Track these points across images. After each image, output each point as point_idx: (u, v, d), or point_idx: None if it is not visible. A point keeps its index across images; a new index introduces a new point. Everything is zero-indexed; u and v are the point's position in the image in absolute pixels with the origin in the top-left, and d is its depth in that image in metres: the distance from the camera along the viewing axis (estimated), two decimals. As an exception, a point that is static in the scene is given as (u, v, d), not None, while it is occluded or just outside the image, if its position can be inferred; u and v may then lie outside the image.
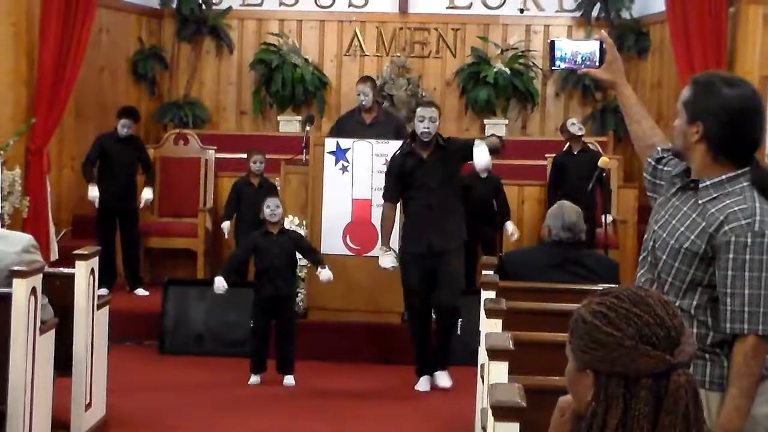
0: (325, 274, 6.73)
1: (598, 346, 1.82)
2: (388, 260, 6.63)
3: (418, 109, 6.67)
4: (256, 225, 8.14)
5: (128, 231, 8.60)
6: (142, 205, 8.66)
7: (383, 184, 6.81)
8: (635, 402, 1.78)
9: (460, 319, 6.78)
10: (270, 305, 6.74)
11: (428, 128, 6.50)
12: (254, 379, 6.76)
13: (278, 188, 8.14)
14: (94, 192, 8.33)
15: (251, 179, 8.39)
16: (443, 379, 6.67)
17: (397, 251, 6.69)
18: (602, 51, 3.11)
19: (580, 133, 8.58)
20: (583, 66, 3.14)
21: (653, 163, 3.06)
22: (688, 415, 1.78)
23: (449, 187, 6.60)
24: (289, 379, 6.74)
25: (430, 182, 6.52)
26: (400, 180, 6.62)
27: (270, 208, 6.80)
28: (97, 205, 8.35)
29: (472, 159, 6.51)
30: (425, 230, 6.52)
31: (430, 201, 6.53)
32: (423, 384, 6.68)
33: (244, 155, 8.60)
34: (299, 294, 7.43)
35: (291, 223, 7.52)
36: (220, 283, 6.69)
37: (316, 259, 6.87)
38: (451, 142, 6.66)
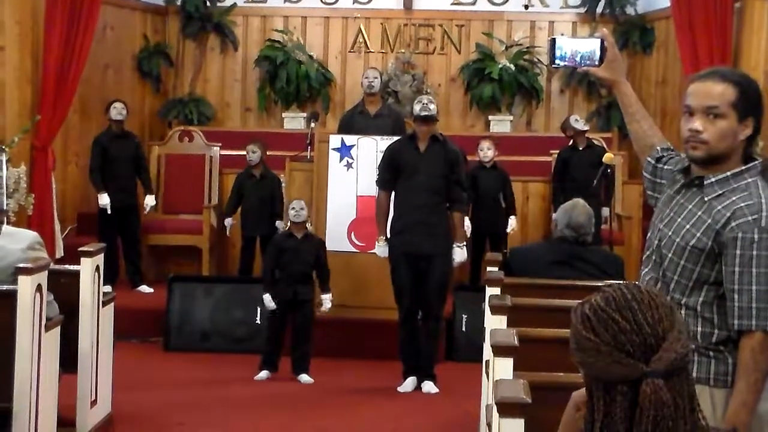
0: (326, 303, 6.80)
1: (580, 349, 1.84)
2: (384, 250, 6.62)
3: (416, 100, 6.73)
4: (259, 217, 8.17)
5: (129, 228, 8.61)
6: (147, 211, 8.70)
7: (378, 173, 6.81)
8: (612, 407, 1.79)
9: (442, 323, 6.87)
10: (288, 307, 6.74)
11: (428, 105, 6.52)
12: (262, 374, 6.76)
13: (281, 180, 8.18)
14: (104, 199, 8.39)
15: (252, 171, 8.41)
16: (430, 386, 6.63)
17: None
18: (603, 49, 3.09)
19: (584, 128, 8.60)
20: (583, 64, 3.14)
21: (653, 162, 3.06)
22: (659, 425, 1.76)
23: (441, 185, 6.52)
24: (305, 377, 6.74)
25: (420, 176, 6.47)
26: (394, 168, 6.56)
27: (295, 209, 6.80)
28: (108, 211, 8.37)
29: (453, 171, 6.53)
30: (409, 227, 6.49)
31: (417, 197, 6.49)
32: (408, 385, 6.62)
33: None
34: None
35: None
36: (269, 301, 6.73)
37: (325, 280, 6.86)
38: (447, 144, 6.62)
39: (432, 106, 6.55)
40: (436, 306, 6.57)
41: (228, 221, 8.49)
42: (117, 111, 8.58)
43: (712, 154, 2.77)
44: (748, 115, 2.77)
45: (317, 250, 6.86)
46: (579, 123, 8.62)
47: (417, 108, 6.57)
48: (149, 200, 8.73)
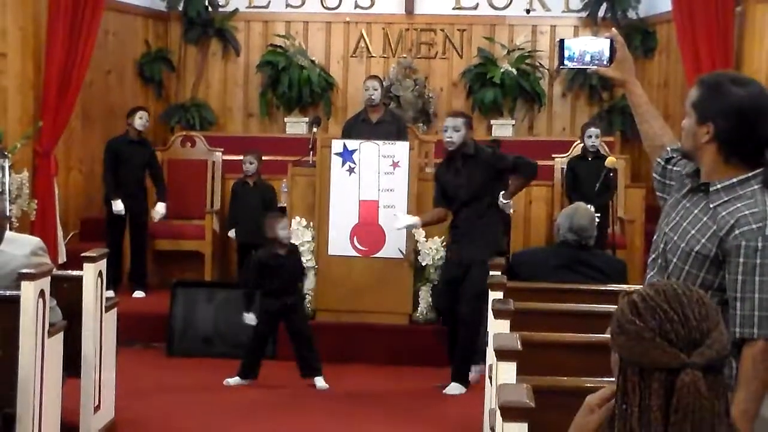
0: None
1: (622, 333, 1.88)
2: (404, 218, 6.97)
3: (443, 126, 6.87)
4: (252, 224, 8.17)
5: (137, 233, 8.62)
6: (156, 219, 8.68)
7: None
8: (648, 393, 1.82)
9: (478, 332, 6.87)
10: (277, 315, 6.69)
11: (451, 137, 6.67)
12: (236, 380, 6.66)
13: (275, 189, 8.23)
14: (119, 206, 8.38)
15: (246, 179, 8.52)
16: (451, 388, 6.64)
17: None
18: (612, 49, 3.09)
19: (590, 149, 8.58)
20: (592, 65, 3.13)
21: (662, 163, 3.05)
22: (695, 415, 1.79)
23: (481, 196, 6.68)
24: (319, 381, 6.67)
25: (461, 193, 6.70)
26: (441, 187, 6.90)
27: (285, 230, 6.77)
28: (123, 213, 8.38)
29: (499, 179, 6.74)
30: (458, 239, 6.75)
31: (462, 211, 6.72)
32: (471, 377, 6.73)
33: (246, 158, 8.68)
34: (307, 296, 7.45)
35: (298, 224, 7.52)
36: (250, 319, 6.69)
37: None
38: (480, 154, 6.73)
39: (456, 136, 6.67)
40: (466, 311, 6.57)
41: (232, 233, 8.58)
42: (142, 122, 8.60)
43: (683, 150, 2.90)
44: (707, 119, 2.76)
45: (298, 260, 6.89)
46: (590, 140, 8.60)
47: (444, 136, 6.78)
48: (159, 208, 8.66)
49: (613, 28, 3.40)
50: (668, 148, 3.05)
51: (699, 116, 2.78)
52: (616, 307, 1.94)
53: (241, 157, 8.78)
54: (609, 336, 1.93)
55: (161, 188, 8.78)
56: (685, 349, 1.82)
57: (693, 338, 1.83)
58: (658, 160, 3.06)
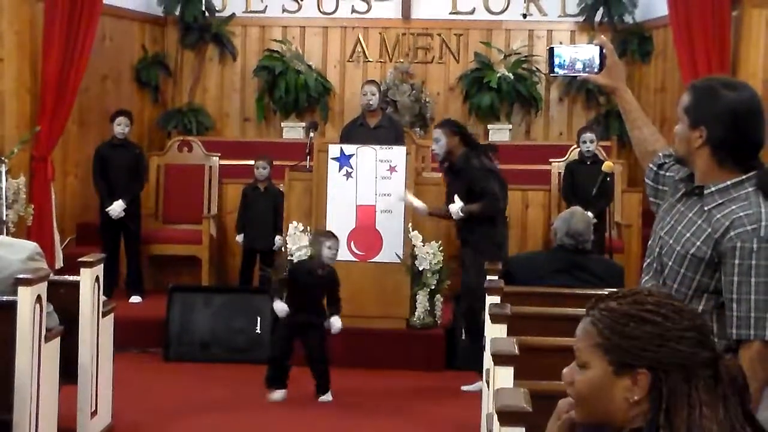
0: (335, 323, 6.51)
1: (661, 341, 1.82)
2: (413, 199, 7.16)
3: None
4: (261, 229, 8.16)
5: (129, 238, 8.60)
6: (113, 215, 8.42)
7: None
8: (697, 392, 1.79)
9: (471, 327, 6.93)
10: (299, 328, 6.51)
11: (433, 149, 6.99)
12: (277, 394, 6.47)
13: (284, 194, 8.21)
14: (117, 207, 8.36)
15: (257, 184, 8.51)
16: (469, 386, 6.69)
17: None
18: (602, 56, 3.10)
19: (586, 153, 8.58)
20: (583, 72, 3.14)
21: (655, 168, 3.06)
22: (743, 392, 1.83)
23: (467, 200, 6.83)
24: (325, 397, 6.54)
25: (451, 198, 6.89)
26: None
27: (332, 250, 6.55)
28: (123, 214, 8.38)
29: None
30: (460, 242, 7.02)
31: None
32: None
33: (249, 162, 8.68)
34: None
35: (296, 229, 7.51)
36: (280, 309, 6.49)
37: (335, 309, 6.59)
38: (466, 166, 6.83)
39: (437, 147, 6.92)
40: (462, 309, 6.97)
41: (239, 238, 8.55)
42: (120, 129, 8.57)
43: (677, 155, 2.91)
44: (699, 123, 2.77)
45: (332, 285, 6.61)
46: (585, 145, 8.60)
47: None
48: (115, 205, 8.40)
49: (602, 36, 3.42)
50: (660, 154, 3.06)
51: (691, 121, 2.79)
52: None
53: (238, 162, 8.79)
54: (617, 361, 1.85)
55: (134, 189, 8.62)
56: (710, 339, 1.85)
57: (710, 330, 1.89)
58: (651, 165, 3.08)
